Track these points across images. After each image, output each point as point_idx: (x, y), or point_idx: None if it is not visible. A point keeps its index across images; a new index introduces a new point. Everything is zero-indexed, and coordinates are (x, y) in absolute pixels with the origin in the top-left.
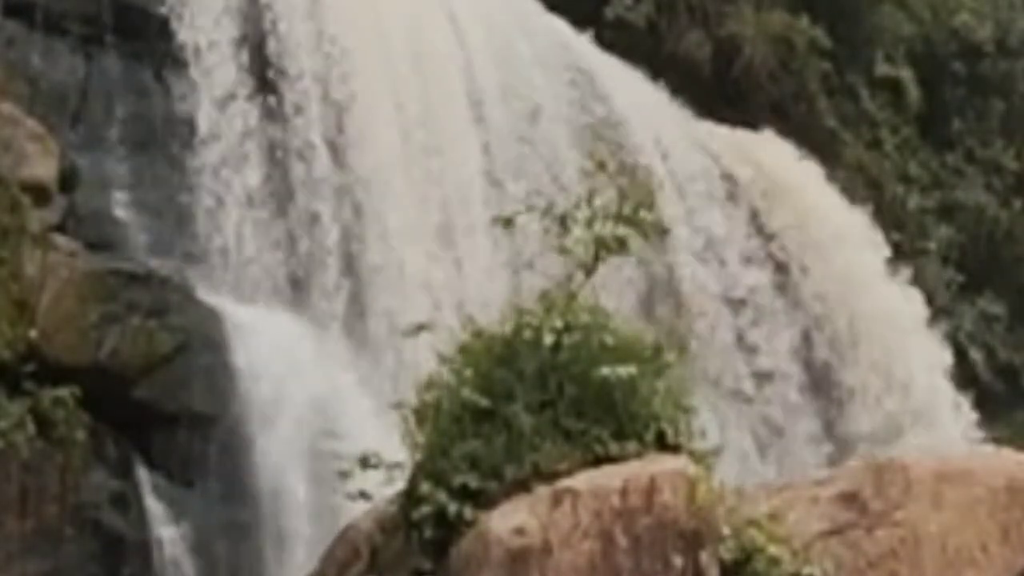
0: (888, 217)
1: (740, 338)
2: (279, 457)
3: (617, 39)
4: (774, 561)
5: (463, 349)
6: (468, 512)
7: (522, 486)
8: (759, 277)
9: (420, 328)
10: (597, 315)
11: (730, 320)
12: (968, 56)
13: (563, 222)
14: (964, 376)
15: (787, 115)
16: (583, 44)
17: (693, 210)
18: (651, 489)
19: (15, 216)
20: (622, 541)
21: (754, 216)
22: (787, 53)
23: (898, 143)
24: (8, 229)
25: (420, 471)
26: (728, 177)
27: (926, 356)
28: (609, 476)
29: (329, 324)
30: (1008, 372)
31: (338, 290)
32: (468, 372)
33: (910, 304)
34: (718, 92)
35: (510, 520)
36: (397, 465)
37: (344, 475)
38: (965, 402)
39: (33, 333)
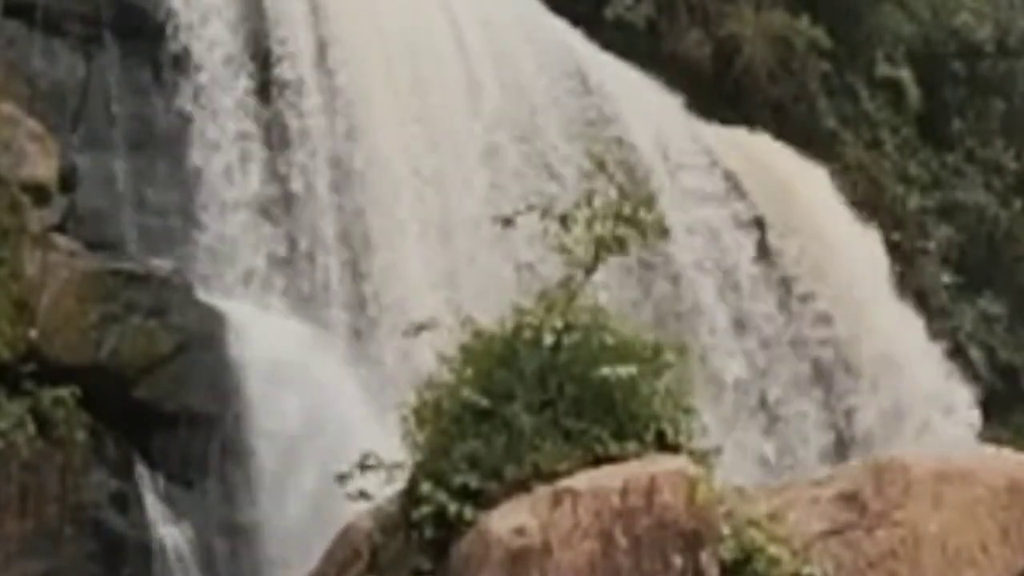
0: (888, 217)
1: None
2: (279, 457)
3: (617, 39)
4: (774, 561)
5: (463, 349)
6: (468, 512)
7: (522, 486)
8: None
9: (420, 328)
10: (597, 315)
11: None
12: (968, 56)
13: (563, 222)
14: (964, 376)
15: (787, 115)
16: (584, 44)
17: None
18: (651, 489)
19: (15, 216)
20: (622, 541)
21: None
22: (787, 53)
23: (898, 143)
24: (8, 229)
25: (420, 471)
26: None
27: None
28: (609, 476)
29: (330, 323)
30: (1008, 372)
31: (339, 289)
32: (468, 372)
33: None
34: (718, 92)
35: (510, 520)
36: (397, 465)
37: (343, 478)
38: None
39: (33, 333)
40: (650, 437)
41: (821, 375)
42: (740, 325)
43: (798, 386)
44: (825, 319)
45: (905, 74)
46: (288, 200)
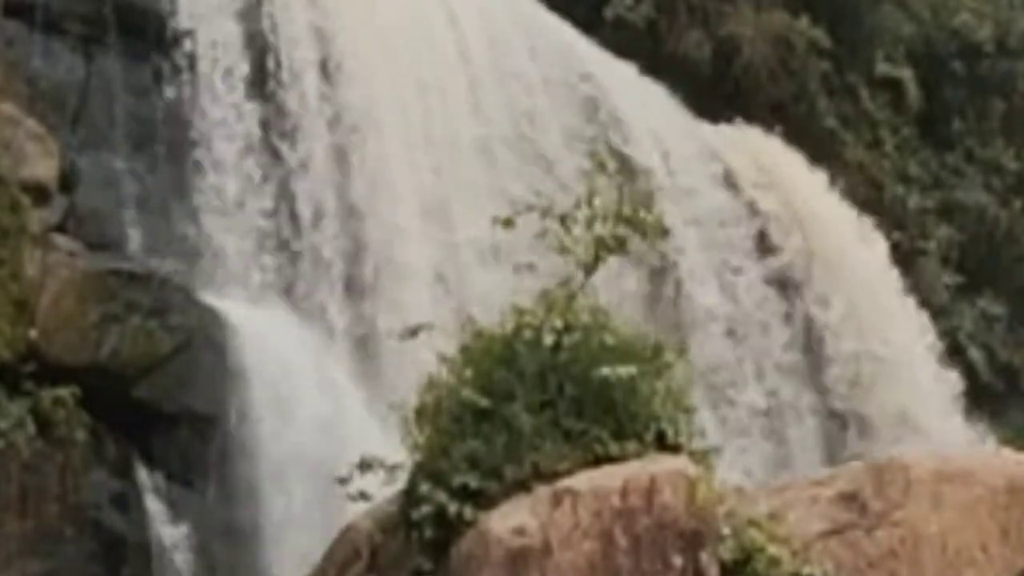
0: (888, 217)
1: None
2: (279, 457)
3: (617, 39)
4: (774, 561)
5: (463, 349)
6: (468, 512)
7: (522, 486)
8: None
9: (416, 330)
10: (597, 315)
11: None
12: (968, 56)
13: (563, 222)
14: (964, 376)
15: (787, 115)
16: (584, 44)
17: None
18: (651, 489)
19: (15, 216)
20: (622, 541)
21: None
22: (787, 53)
23: (898, 143)
24: (8, 229)
25: (420, 471)
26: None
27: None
28: (609, 476)
29: (330, 323)
30: (1008, 372)
31: (339, 289)
32: (468, 372)
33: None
34: (718, 92)
35: (510, 520)
36: (397, 466)
37: (343, 480)
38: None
39: (33, 333)
40: (650, 437)
41: (820, 376)
42: (738, 323)
43: (797, 389)
44: (825, 314)
45: (905, 74)
46: (288, 200)
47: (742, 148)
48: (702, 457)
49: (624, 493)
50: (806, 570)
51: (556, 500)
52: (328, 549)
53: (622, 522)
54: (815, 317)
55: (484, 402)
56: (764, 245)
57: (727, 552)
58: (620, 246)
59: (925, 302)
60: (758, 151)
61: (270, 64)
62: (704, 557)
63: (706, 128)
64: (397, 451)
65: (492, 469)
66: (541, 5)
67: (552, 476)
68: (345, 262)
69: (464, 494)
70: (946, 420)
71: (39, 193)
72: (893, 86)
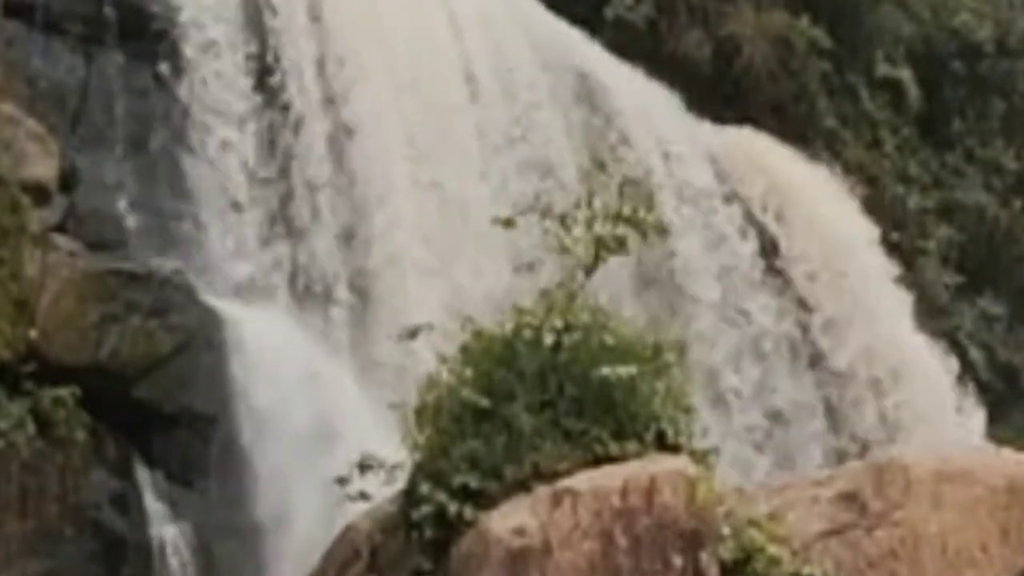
0: (888, 217)
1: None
2: (278, 457)
3: (617, 39)
4: (774, 561)
5: (463, 349)
6: (468, 512)
7: (522, 486)
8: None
9: (415, 331)
10: (597, 315)
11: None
12: (968, 56)
13: (563, 222)
14: (964, 376)
15: (787, 115)
16: (584, 44)
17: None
18: (651, 489)
19: (15, 216)
20: (622, 541)
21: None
22: (787, 53)
23: (898, 143)
24: (8, 229)
25: (420, 471)
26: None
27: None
28: (609, 476)
29: (330, 323)
30: (1008, 372)
31: (339, 289)
32: (468, 372)
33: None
34: (718, 92)
35: (510, 520)
36: (397, 466)
37: (343, 480)
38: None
39: (33, 333)
40: (650, 437)
41: (824, 380)
42: (738, 323)
43: (796, 388)
44: (828, 316)
45: (905, 74)
46: (288, 200)
47: (742, 149)
48: (702, 457)
49: (624, 493)
50: (806, 570)
51: (556, 500)
52: (328, 549)
53: (622, 522)
54: (815, 316)
55: (484, 402)
56: (763, 245)
57: (727, 552)
58: (620, 246)
59: (925, 302)
60: (758, 153)
61: (269, 64)
62: (704, 557)
63: (706, 128)
64: (397, 451)
65: (492, 469)
66: (541, 5)
67: (552, 476)
68: (346, 261)
69: (464, 494)
70: None
71: (39, 193)
72: (893, 86)
